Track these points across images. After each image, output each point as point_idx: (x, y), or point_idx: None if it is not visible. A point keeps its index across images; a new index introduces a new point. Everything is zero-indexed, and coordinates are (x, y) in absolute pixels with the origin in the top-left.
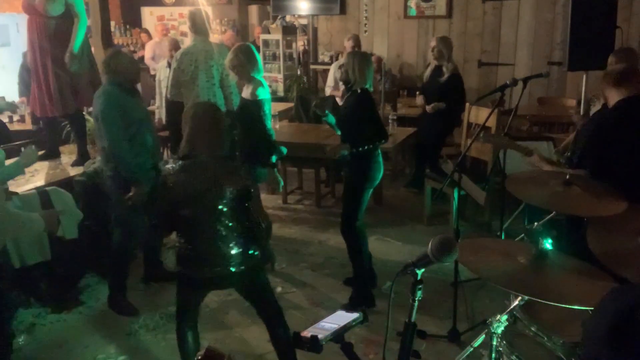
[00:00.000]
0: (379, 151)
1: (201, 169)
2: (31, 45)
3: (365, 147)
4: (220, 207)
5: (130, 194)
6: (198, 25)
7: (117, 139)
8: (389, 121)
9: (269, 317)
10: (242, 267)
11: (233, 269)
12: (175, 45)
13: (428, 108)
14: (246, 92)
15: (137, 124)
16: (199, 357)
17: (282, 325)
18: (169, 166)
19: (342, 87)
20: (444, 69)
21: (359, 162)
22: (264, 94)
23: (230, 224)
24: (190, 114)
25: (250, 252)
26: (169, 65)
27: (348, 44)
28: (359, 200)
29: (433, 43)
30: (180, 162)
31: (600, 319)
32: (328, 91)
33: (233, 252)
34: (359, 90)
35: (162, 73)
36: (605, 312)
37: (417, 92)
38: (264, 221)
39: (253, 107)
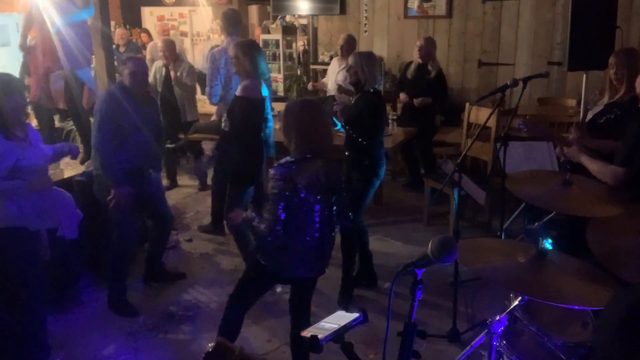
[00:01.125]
0: (383, 150)
1: (314, 168)
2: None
3: (371, 143)
4: (326, 208)
5: (110, 196)
6: (233, 26)
7: (101, 136)
8: (389, 121)
9: (300, 311)
10: (324, 269)
11: (319, 272)
12: (169, 46)
13: (416, 102)
14: (238, 89)
15: (129, 129)
16: (210, 349)
17: (307, 323)
18: (275, 170)
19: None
20: (429, 67)
21: (363, 160)
22: (252, 92)
23: (329, 225)
24: (298, 112)
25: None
26: (165, 66)
27: (339, 49)
28: (361, 197)
29: (420, 43)
30: (294, 162)
31: (613, 312)
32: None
33: (325, 255)
34: (371, 90)
35: (157, 72)
36: (619, 306)
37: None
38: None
39: (238, 104)
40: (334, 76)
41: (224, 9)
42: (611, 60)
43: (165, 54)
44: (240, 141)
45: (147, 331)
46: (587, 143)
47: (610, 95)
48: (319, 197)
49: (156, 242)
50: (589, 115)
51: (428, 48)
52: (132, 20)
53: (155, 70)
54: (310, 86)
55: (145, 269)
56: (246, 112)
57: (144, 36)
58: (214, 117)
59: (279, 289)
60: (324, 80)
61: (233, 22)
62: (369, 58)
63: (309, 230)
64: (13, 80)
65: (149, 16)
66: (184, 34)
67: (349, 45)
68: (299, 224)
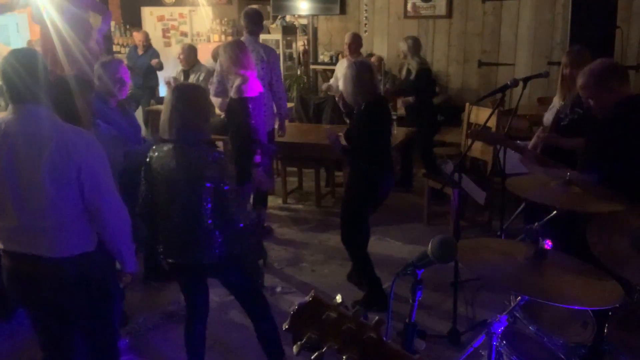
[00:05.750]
0: (387, 168)
1: (174, 154)
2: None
3: (373, 165)
4: (186, 195)
5: None
6: (255, 25)
7: None
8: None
9: (251, 312)
10: (209, 261)
11: (200, 261)
12: (185, 51)
13: (399, 103)
14: (232, 89)
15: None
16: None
17: (266, 320)
18: (153, 150)
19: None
20: (410, 67)
21: (365, 177)
22: (249, 91)
23: (196, 215)
24: (169, 94)
25: (216, 250)
26: (183, 71)
27: (346, 48)
28: (360, 209)
29: (401, 42)
30: (159, 146)
31: None
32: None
33: (198, 244)
34: (362, 106)
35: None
36: None
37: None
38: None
39: (235, 104)
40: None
41: (224, 8)
42: (564, 59)
43: (180, 58)
44: (238, 138)
45: (147, 331)
46: (557, 142)
47: (563, 95)
48: (179, 181)
49: (151, 242)
50: (548, 117)
51: (404, 48)
52: (132, 20)
53: (177, 75)
54: (324, 87)
55: (144, 269)
56: (245, 111)
57: (136, 35)
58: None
59: (278, 289)
60: (331, 82)
61: (255, 22)
62: (353, 78)
63: (171, 215)
64: None
65: (149, 16)
66: (184, 34)
67: (355, 43)
68: (157, 207)
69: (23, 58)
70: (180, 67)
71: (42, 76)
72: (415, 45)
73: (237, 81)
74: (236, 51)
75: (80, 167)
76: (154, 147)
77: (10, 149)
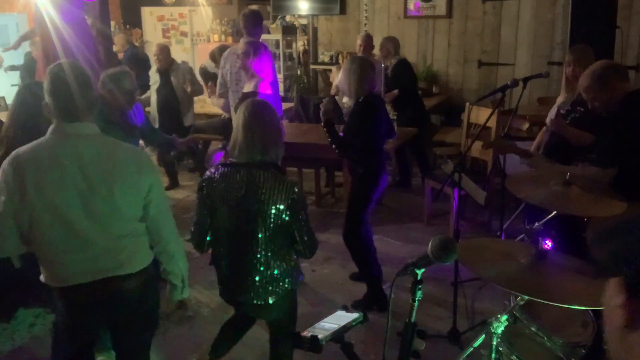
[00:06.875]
0: (383, 159)
1: (235, 176)
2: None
3: (373, 161)
4: (254, 226)
5: None
6: (253, 27)
7: None
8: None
9: (275, 354)
10: (269, 300)
11: (257, 302)
12: (164, 51)
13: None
14: (248, 86)
15: None
16: None
17: (284, 341)
18: (209, 171)
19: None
20: (389, 65)
21: (367, 171)
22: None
23: (263, 248)
24: (241, 112)
25: (286, 285)
26: (159, 71)
27: (358, 49)
28: (356, 207)
29: (382, 42)
30: (220, 166)
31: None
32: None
33: (262, 281)
34: (365, 96)
35: (151, 79)
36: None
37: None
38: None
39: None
40: None
41: (224, 8)
42: (567, 58)
43: (160, 58)
44: None
45: None
46: (565, 130)
47: (567, 93)
48: (236, 214)
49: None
50: (551, 117)
51: (387, 47)
52: (132, 21)
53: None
54: (333, 90)
55: None
56: None
57: (118, 39)
58: (224, 115)
59: None
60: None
61: (252, 24)
62: (351, 70)
63: (232, 248)
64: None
65: (149, 16)
66: (184, 34)
67: (366, 44)
68: (213, 238)
69: (74, 74)
70: (154, 68)
71: (92, 92)
72: (397, 45)
73: (254, 79)
74: (264, 57)
75: (151, 184)
76: (211, 169)
77: (72, 172)
